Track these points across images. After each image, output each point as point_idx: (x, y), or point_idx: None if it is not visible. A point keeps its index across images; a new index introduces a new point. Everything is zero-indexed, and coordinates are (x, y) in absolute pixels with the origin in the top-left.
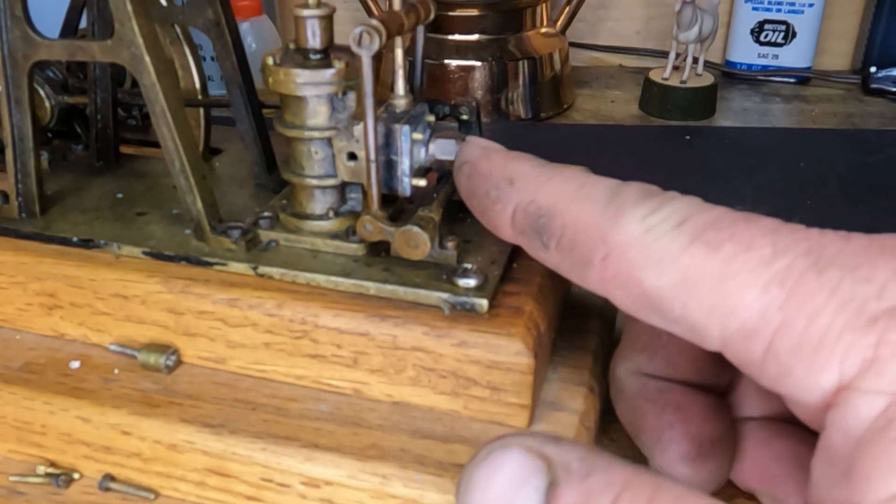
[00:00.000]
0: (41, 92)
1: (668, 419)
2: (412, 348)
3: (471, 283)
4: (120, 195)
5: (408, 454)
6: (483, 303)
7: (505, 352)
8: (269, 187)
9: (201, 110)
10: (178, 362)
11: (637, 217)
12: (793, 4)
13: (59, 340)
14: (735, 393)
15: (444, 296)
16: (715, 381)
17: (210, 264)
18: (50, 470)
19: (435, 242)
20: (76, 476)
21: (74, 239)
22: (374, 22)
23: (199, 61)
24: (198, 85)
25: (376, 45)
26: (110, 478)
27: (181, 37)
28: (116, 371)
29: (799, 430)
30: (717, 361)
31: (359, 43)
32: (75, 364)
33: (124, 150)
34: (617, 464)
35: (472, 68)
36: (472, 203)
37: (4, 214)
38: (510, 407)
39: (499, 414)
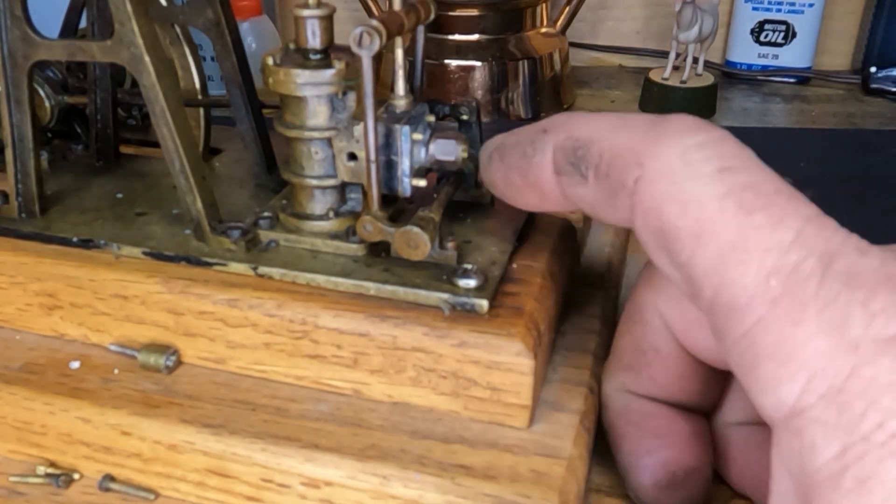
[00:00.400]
0: (41, 92)
1: (646, 446)
2: (412, 349)
3: (471, 283)
4: (120, 195)
5: (408, 455)
6: (483, 303)
7: (505, 352)
8: (269, 187)
9: (201, 110)
10: (178, 363)
11: (679, 146)
12: (793, 4)
13: (59, 341)
14: (725, 399)
15: (444, 296)
16: (700, 402)
17: (210, 264)
18: (50, 470)
19: (435, 243)
20: (76, 476)
21: (74, 239)
22: (375, 22)
23: (199, 61)
24: (198, 85)
25: (376, 46)
26: (110, 478)
27: (181, 37)
28: (116, 371)
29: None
30: (702, 382)
31: (359, 43)
32: (75, 364)
33: (124, 150)
34: None
35: (472, 68)
36: (509, 179)
37: (4, 214)
38: (510, 407)
39: (499, 414)
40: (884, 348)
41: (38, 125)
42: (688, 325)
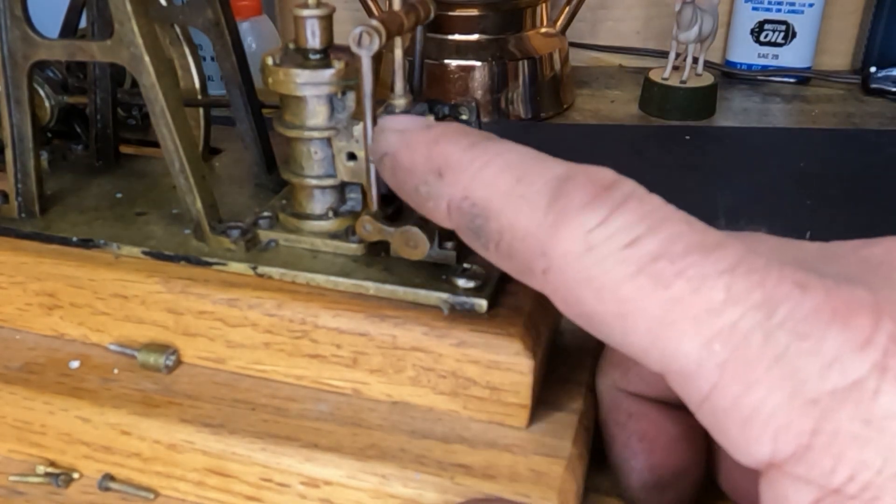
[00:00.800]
0: (41, 92)
1: (632, 448)
2: (412, 348)
3: (470, 283)
4: (120, 195)
5: (407, 454)
6: (482, 303)
7: (504, 352)
8: (269, 187)
9: (201, 110)
10: (178, 362)
11: (580, 230)
12: (793, 4)
13: (59, 340)
14: None
15: (444, 296)
16: None
17: (210, 264)
18: (50, 470)
19: (434, 242)
20: (76, 476)
21: (74, 239)
22: (374, 22)
23: (198, 61)
24: (198, 85)
25: (376, 46)
26: (110, 477)
27: (181, 37)
28: (116, 371)
29: None
30: None
31: (359, 43)
32: (75, 364)
33: (124, 150)
34: None
35: (472, 68)
36: (403, 198)
37: (4, 214)
38: (509, 407)
39: (498, 414)
40: (843, 398)
41: (38, 125)
42: None
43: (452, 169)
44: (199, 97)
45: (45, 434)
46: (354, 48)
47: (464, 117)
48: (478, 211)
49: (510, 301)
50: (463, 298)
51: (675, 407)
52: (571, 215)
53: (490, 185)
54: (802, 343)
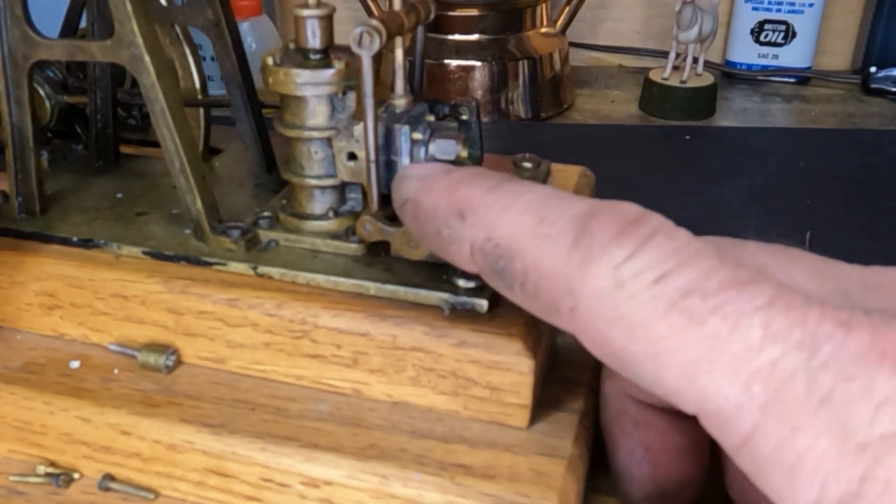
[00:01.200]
0: (41, 92)
1: (637, 458)
2: (412, 348)
3: (471, 283)
4: (120, 195)
5: (407, 454)
6: (483, 303)
7: (505, 352)
8: (269, 187)
9: (201, 110)
10: (178, 362)
11: (608, 267)
12: (793, 4)
13: (59, 340)
14: None
15: (444, 296)
16: None
17: (210, 264)
18: (50, 470)
19: None
20: (76, 476)
21: (74, 239)
22: (375, 22)
23: (199, 61)
24: (198, 85)
25: (376, 46)
26: (110, 478)
27: (181, 37)
28: (116, 371)
29: None
30: None
31: (359, 43)
32: (75, 364)
33: (124, 150)
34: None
35: (472, 68)
36: (426, 243)
37: (5, 214)
38: (510, 407)
39: (498, 414)
40: (894, 442)
41: (38, 125)
42: None
43: (474, 211)
44: (199, 97)
45: (46, 434)
46: (355, 48)
47: (464, 117)
48: (501, 252)
49: (511, 301)
50: (463, 298)
51: (683, 417)
52: (597, 252)
53: (513, 225)
54: (849, 385)
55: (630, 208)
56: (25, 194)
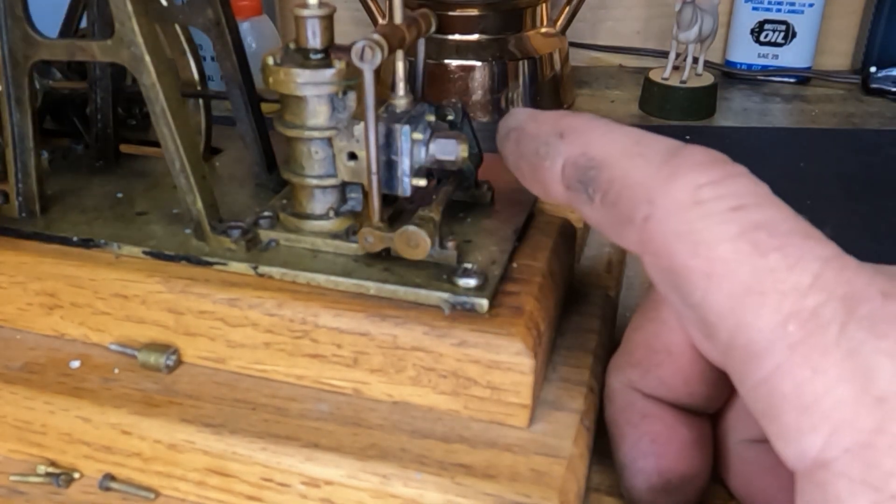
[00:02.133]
0: None
1: (643, 449)
2: (412, 348)
3: (471, 282)
4: (120, 195)
5: (408, 454)
6: (483, 303)
7: (505, 351)
8: (269, 187)
9: (202, 110)
10: (179, 362)
11: (690, 185)
12: (793, 4)
13: (60, 340)
14: (732, 410)
15: (445, 296)
16: (705, 406)
17: (210, 264)
18: (50, 469)
19: (435, 242)
20: (76, 476)
21: (75, 239)
22: (377, 36)
23: (199, 60)
24: (198, 87)
25: (378, 60)
26: (111, 477)
27: (181, 36)
28: (117, 371)
29: None
30: (710, 387)
31: (361, 57)
32: (75, 364)
33: (124, 149)
34: None
35: (472, 68)
36: (520, 167)
37: (5, 214)
38: (510, 406)
39: (499, 414)
40: None
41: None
42: None
43: (574, 131)
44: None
45: (46, 434)
46: (357, 62)
47: (449, 118)
48: (593, 164)
49: (511, 301)
50: (464, 298)
51: (689, 412)
52: (685, 170)
53: (609, 144)
54: (879, 342)
55: (722, 154)
56: (25, 194)
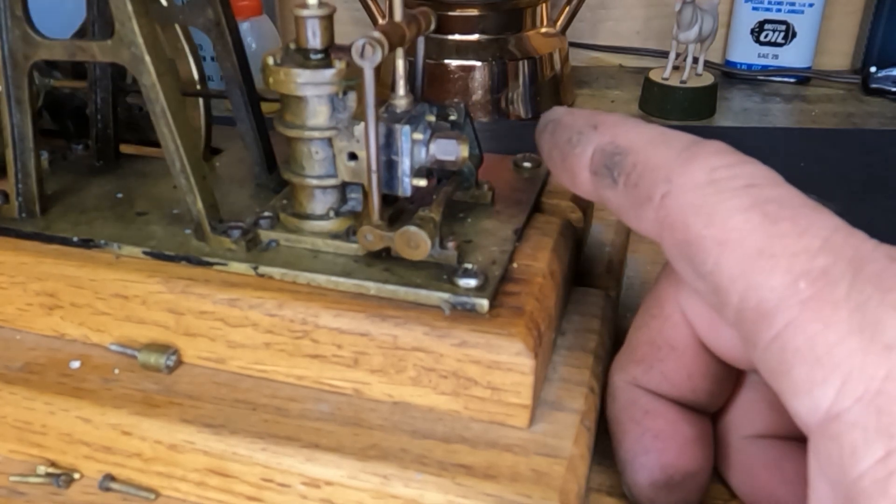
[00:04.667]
0: None
1: (645, 445)
2: (413, 348)
3: (471, 283)
4: (120, 195)
5: (408, 454)
6: (483, 303)
7: (505, 352)
8: (270, 187)
9: (202, 109)
10: (179, 362)
11: (706, 167)
12: (793, 4)
13: (60, 340)
14: (734, 408)
15: (445, 296)
16: (708, 403)
17: (210, 264)
18: (50, 470)
19: (435, 242)
20: (76, 476)
21: (75, 239)
22: (377, 34)
23: (199, 60)
24: (198, 87)
25: (378, 58)
26: (111, 478)
27: (181, 36)
28: (117, 371)
29: (796, 449)
30: (713, 382)
31: (361, 55)
32: (76, 364)
33: (124, 149)
34: None
35: (472, 68)
36: (552, 155)
37: (5, 214)
38: (511, 407)
39: (499, 414)
40: None
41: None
42: (712, 322)
43: (605, 123)
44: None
45: (46, 434)
46: (357, 59)
47: (452, 118)
48: (619, 150)
49: (511, 301)
50: (464, 298)
51: (692, 409)
52: (702, 155)
53: (636, 134)
54: (886, 295)
55: (736, 150)
56: (25, 194)
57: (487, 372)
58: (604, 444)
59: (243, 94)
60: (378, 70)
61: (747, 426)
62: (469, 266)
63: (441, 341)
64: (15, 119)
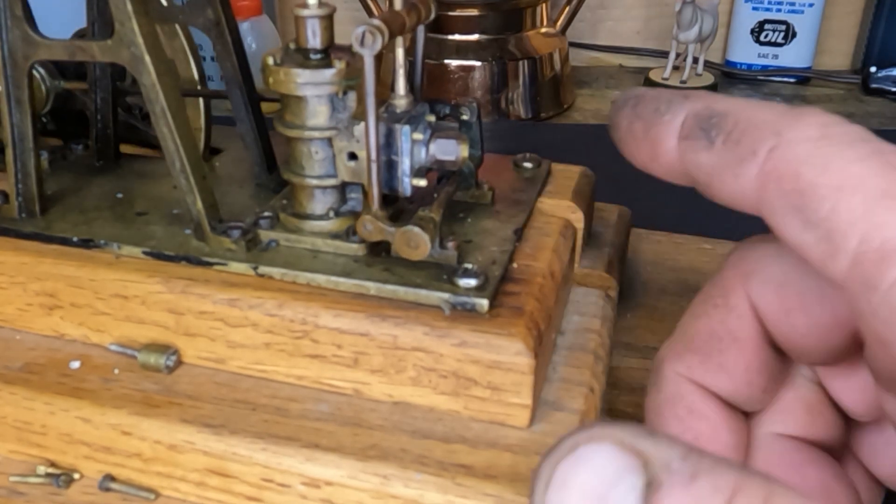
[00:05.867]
0: (37, 75)
1: None
2: (412, 348)
3: (471, 283)
4: (120, 195)
5: (408, 454)
6: (483, 303)
7: (505, 352)
8: (270, 187)
9: (202, 109)
10: (179, 362)
11: (818, 124)
12: (793, 4)
13: (60, 341)
14: (772, 406)
15: (445, 296)
16: (759, 399)
17: (210, 264)
18: (50, 470)
19: (435, 242)
20: (76, 476)
21: (74, 239)
22: (377, 21)
23: (199, 61)
24: (196, 76)
25: (378, 45)
26: (110, 478)
27: (181, 36)
28: (117, 371)
29: (822, 458)
30: (768, 378)
31: (361, 42)
32: (75, 364)
33: (124, 149)
34: (724, 464)
35: (472, 68)
36: (632, 128)
37: (5, 214)
38: (511, 407)
39: (499, 414)
40: None
41: (38, 123)
42: (785, 310)
43: (698, 94)
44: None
45: (46, 434)
46: (357, 47)
47: (464, 117)
48: (716, 113)
49: (511, 301)
50: (464, 298)
51: (736, 410)
52: (811, 114)
53: (732, 101)
54: None
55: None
56: (25, 194)
57: (487, 372)
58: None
59: (243, 94)
60: (378, 67)
61: (779, 424)
62: (469, 266)
63: (441, 341)
64: (15, 119)
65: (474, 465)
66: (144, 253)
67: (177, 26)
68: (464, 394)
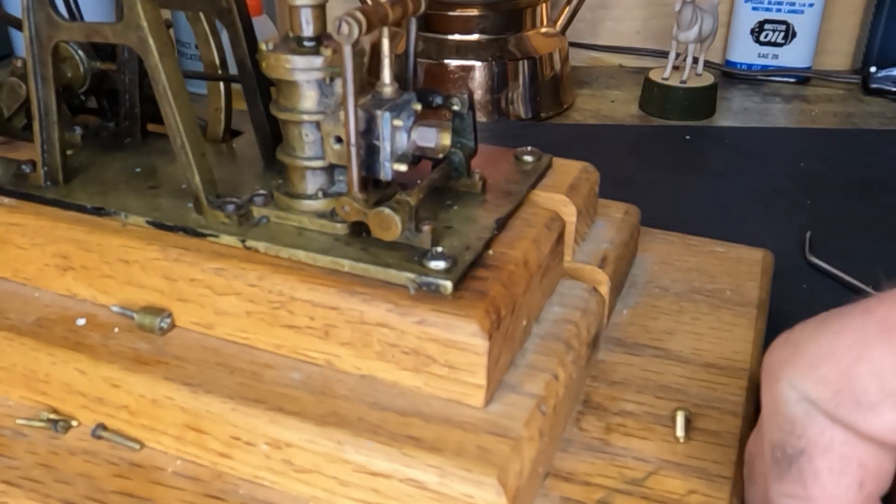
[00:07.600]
0: (76, 56)
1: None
2: (377, 324)
3: (440, 265)
4: (139, 170)
5: (364, 423)
6: (447, 284)
7: (461, 332)
8: (276, 169)
9: (222, 93)
10: (172, 325)
11: None
12: (793, 4)
13: (72, 300)
14: None
15: (411, 276)
16: None
17: (204, 235)
18: (52, 416)
19: (410, 225)
20: (74, 423)
21: (89, 207)
22: (356, 13)
23: (220, 46)
24: (219, 71)
25: (356, 35)
26: (103, 427)
27: (204, 23)
28: (116, 330)
29: None
30: None
31: (338, 31)
32: (81, 321)
33: (151, 128)
34: None
35: (472, 68)
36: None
37: (32, 182)
38: (466, 386)
39: (457, 392)
40: None
41: (74, 91)
42: None
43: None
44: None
45: (49, 383)
46: (335, 36)
47: (456, 108)
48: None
49: (477, 285)
50: (429, 279)
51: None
52: None
53: None
54: None
55: None
56: (50, 164)
57: (445, 350)
58: (573, 435)
59: (252, 80)
60: (370, 59)
61: None
62: (440, 249)
63: (402, 318)
64: (41, 94)
65: (424, 437)
66: (147, 222)
67: (201, 14)
68: (424, 370)
